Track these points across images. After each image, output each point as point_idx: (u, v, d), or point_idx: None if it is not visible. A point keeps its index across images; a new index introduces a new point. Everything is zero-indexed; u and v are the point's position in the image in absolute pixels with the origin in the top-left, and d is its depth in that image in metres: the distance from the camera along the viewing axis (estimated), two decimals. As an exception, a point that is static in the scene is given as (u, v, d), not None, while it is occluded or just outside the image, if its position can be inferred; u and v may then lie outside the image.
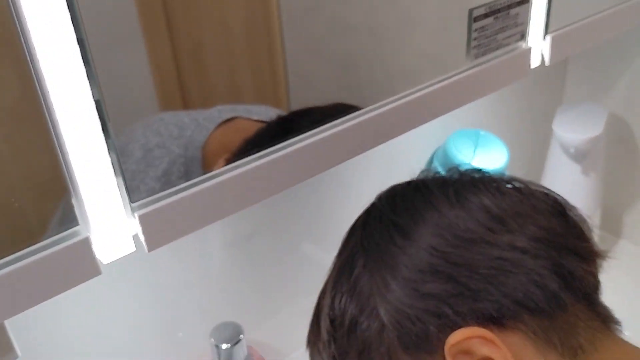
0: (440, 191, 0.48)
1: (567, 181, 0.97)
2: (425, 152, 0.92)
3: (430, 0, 0.58)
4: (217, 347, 0.72)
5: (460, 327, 0.42)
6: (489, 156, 0.85)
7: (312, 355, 0.53)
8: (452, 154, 0.85)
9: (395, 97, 0.57)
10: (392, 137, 0.59)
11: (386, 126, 0.58)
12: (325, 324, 0.49)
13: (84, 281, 0.42)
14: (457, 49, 0.61)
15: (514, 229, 0.44)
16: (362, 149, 0.57)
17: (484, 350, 0.41)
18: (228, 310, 0.79)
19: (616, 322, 0.46)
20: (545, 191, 0.50)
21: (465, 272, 0.42)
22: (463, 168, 0.52)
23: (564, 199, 0.50)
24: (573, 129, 0.92)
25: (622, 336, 0.46)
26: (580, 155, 0.94)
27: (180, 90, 0.48)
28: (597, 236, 1.07)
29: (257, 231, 0.80)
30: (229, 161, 0.48)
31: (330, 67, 0.56)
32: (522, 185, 0.49)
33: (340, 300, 0.47)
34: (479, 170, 0.51)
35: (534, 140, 1.10)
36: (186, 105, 0.49)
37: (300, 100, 0.54)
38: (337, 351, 0.48)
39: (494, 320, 0.42)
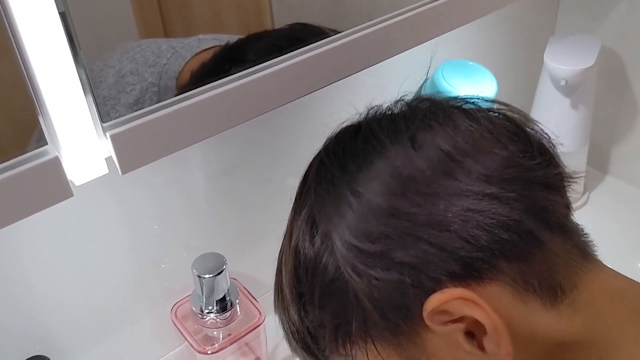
0: (392, 140, 0.43)
1: (556, 114, 0.96)
2: (413, 82, 0.90)
3: None
4: (200, 277, 0.72)
5: (435, 291, 0.40)
6: (478, 87, 0.83)
7: (282, 322, 0.50)
8: (441, 85, 0.83)
9: (380, 19, 0.55)
10: (379, 61, 0.57)
11: (371, 49, 0.56)
12: (293, 296, 0.46)
13: (54, 203, 0.41)
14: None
15: (480, 173, 0.41)
16: (345, 72, 0.55)
17: (464, 310, 0.39)
18: (211, 242, 0.78)
19: (592, 246, 0.45)
20: (505, 111, 0.46)
21: (436, 232, 0.40)
22: (412, 99, 0.48)
23: (522, 115, 0.47)
24: (564, 60, 0.90)
25: (599, 264, 0.45)
26: (570, 88, 0.93)
27: (160, 18, 0.46)
28: (584, 172, 1.06)
29: (240, 163, 0.79)
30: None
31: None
32: (476, 111, 0.46)
33: (307, 273, 0.44)
34: (429, 99, 0.47)
35: (524, 71, 1.08)
36: (167, 34, 0.47)
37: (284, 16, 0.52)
38: (311, 324, 0.46)
39: (471, 275, 0.40)
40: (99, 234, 0.69)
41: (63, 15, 0.38)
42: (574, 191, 0.46)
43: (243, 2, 0.50)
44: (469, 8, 0.61)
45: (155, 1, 0.45)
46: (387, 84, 0.87)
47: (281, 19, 0.51)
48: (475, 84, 0.83)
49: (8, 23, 0.36)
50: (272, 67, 0.49)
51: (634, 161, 1.11)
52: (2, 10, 0.36)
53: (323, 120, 0.84)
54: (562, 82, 0.91)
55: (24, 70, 0.38)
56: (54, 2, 0.38)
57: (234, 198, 0.80)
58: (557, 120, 0.96)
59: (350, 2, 0.56)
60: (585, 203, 1.08)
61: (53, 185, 0.41)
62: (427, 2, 0.57)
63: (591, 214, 1.05)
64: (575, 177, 0.46)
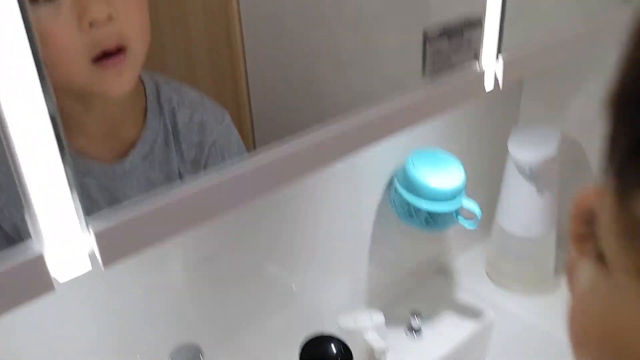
0: None
1: (523, 201, 1.00)
2: (385, 171, 0.93)
3: (390, 25, 0.60)
4: (176, 368, 0.71)
5: None
6: (446, 175, 0.87)
7: None
8: (411, 173, 0.86)
9: (352, 115, 0.58)
10: (351, 154, 0.60)
11: (345, 142, 0.59)
12: None
13: (36, 297, 0.42)
14: (415, 70, 0.62)
15: None
16: (322, 164, 0.58)
17: None
18: (188, 332, 0.78)
19: None
20: None
21: None
22: None
23: None
24: (527, 150, 0.95)
25: None
26: (535, 176, 0.97)
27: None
28: (554, 256, 1.09)
29: (219, 252, 0.79)
30: None
31: (292, 88, 0.57)
32: None
33: None
34: None
35: (491, 159, 1.13)
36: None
37: (262, 117, 0.55)
38: None
39: None
40: (68, 324, 0.68)
41: (53, 119, 0.40)
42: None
43: (222, 92, 0.53)
44: (436, 105, 0.65)
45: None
46: (363, 173, 0.90)
47: (258, 107, 0.54)
48: (443, 172, 0.87)
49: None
50: (251, 163, 0.51)
51: (600, 244, 1.14)
52: (2, 137, 0.38)
53: (303, 208, 0.86)
54: (527, 171, 0.95)
55: (13, 170, 0.39)
56: (45, 105, 0.40)
57: (213, 286, 0.80)
58: (524, 206, 1.00)
59: (327, 94, 0.60)
60: (556, 287, 1.10)
61: (35, 281, 0.41)
62: (398, 98, 0.61)
63: (564, 298, 1.07)
64: None
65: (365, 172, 0.91)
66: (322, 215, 0.88)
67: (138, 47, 0.47)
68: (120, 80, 0.46)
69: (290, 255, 0.87)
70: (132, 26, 0.45)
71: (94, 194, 0.49)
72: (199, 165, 0.52)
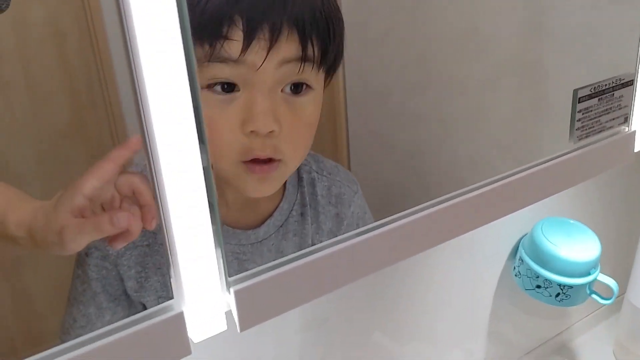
0: None
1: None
2: (509, 239, 0.88)
3: (502, 89, 0.56)
4: None
5: None
6: (580, 246, 0.80)
7: None
8: (541, 241, 0.80)
9: (488, 180, 0.55)
10: (488, 222, 0.56)
11: (480, 210, 0.55)
12: None
13: (175, 357, 0.40)
14: (531, 135, 0.58)
15: None
16: (447, 236, 0.54)
17: None
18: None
19: None
20: None
21: None
22: None
23: None
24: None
25: None
26: (676, 250, 0.88)
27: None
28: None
29: (332, 316, 0.76)
30: None
31: (394, 154, 0.54)
32: None
33: None
34: None
35: (624, 229, 1.04)
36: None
37: (365, 181, 0.52)
38: None
39: None
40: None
41: (206, 170, 0.39)
42: None
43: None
44: (582, 169, 0.60)
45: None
46: (485, 242, 0.85)
47: (357, 172, 0.51)
48: (577, 243, 0.80)
49: (157, 179, 0.38)
50: (380, 228, 0.49)
51: None
52: (157, 191, 0.37)
53: (421, 279, 0.82)
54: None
55: (165, 229, 0.38)
56: (199, 158, 0.39)
57: (322, 353, 0.77)
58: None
59: (431, 162, 0.56)
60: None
61: (174, 342, 0.40)
62: (541, 162, 0.57)
63: None
64: None
65: (486, 240, 0.86)
66: (439, 288, 0.83)
67: (291, 162, 0.45)
68: (262, 186, 0.45)
69: (401, 327, 0.83)
70: (291, 144, 0.44)
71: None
72: (335, 236, 0.50)
